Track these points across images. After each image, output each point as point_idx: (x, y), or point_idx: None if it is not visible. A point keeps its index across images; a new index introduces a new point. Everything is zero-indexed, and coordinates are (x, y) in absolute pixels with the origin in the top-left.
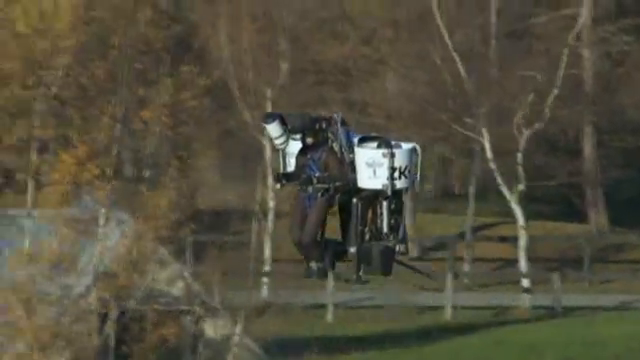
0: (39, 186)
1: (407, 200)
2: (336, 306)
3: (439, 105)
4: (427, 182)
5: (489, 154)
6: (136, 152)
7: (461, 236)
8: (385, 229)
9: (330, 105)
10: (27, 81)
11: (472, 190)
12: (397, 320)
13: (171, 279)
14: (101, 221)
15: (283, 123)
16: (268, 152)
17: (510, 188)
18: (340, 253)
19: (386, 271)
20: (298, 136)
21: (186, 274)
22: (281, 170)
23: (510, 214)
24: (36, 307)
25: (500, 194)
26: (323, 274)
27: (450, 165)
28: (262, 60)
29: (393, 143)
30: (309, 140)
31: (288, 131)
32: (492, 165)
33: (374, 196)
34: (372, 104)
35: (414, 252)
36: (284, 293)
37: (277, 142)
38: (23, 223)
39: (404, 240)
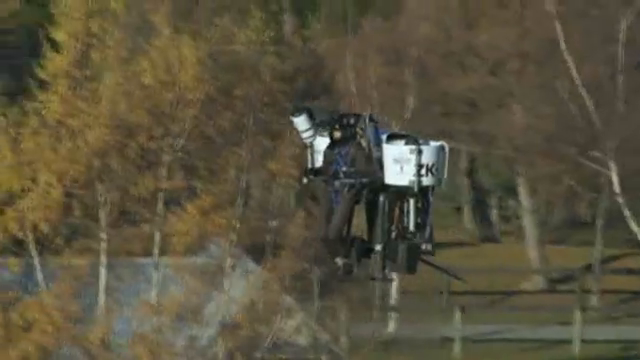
0: (165, 237)
1: (433, 199)
2: (464, 340)
3: (566, 138)
4: (554, 212)
5: (617, 188)
6: (262, 203)
7: (588, 268)
8: (412, 227)
9: (456, 136)
10: (154, 132)
11: (600, 223)
12: (526, 354)
13: (297, 328)
14: (227, 271)
15: (311, 117)
16: None
17: (639, 221)
18: (366, 250)
19: (411, 269)
20: (326, 130)
21: (312, 323)
22: (309, 165)
23: (638, 245)
24: (162, 358)
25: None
26: (349, 270)
27: (577, 197)
28: (388, 94)
29: (421, 140)
30: (337, 135)
31: (316, 125)
32: (619, 199)
33: (401, 194)
34: (498, 136)
35: (539, 284)
36: (410, 327)
37: (304, 135)
38: (150, 273)
39: (430, 239)
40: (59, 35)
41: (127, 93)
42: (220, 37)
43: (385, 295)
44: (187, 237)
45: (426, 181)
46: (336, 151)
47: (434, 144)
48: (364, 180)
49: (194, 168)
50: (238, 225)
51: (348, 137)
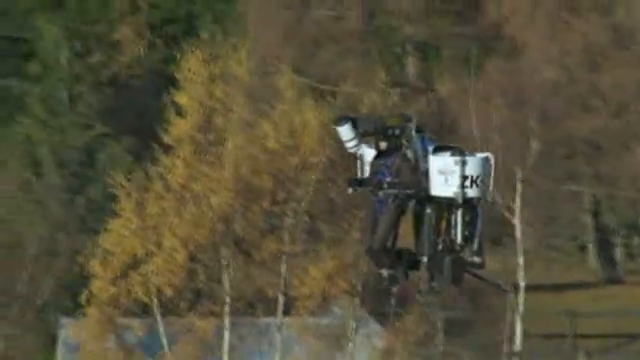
0: (289, 300)
1: (482, 211)
2: None
3: None
4: None
5: None
6: None
7: None
8: (459, 240)
9: (580, 179)
10: (277, 196)
11: None
12: None
13: None
14: (350, 333)
15: (355, 127)
16: (518, 229)
17: None
18: (413, 262)
19: (456, 282)
20: (371, 140)
21: None
22: (358, 175)
23: None
24: None
25: None
26: (394, 281)
27: None
28: (511, 137)
29: (467, 152)
30: (383, 145)
31: (359, 135)
32: None
33: (448, 206)
34: (623, 178)
35: None
36: None
37: (348, 145)
38: (273, 334)
39: (480, 252)
40: (183, 99)
41: (250, 157)
42: (344, 102)
43: (509, 339)
44: (310, 300)
45: (471, 193)
46: (382, 162)
47: (479, 155)
48: (408, 191)
49: (317, 231)
50: (361, 288)
51: (394, 148)
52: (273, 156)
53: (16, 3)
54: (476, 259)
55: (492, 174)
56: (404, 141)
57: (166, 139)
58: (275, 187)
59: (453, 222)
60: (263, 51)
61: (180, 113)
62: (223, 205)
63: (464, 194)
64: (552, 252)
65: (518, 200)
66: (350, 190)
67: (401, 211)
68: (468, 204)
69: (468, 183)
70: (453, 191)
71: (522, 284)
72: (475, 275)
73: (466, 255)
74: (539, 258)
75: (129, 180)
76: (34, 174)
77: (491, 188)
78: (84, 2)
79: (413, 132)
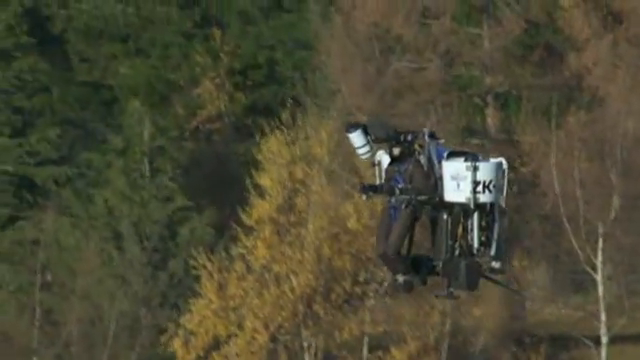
0: None
1: (499, 216)
2: None
3: None
4: None
5: None
6: (465, 344)
7: None
8: (476, 245)
9: None
10: (359, 277)
11: None
12: None
13: None
14: None
15: (366, 133)
16: (599, 284)
17: None
18: (431, 268)
19: (471, 286)
20: (382, 146)
21: None
22: (377, 181)
23: None
24: None
25: None
26: (409, 287)
27: None
28: (593, 192)
29: (480, 157)
30: (395, 152)
31: (372, 141)
32: None
33: (464, 211)
34: None
35: None
36: None
37: (360, 152)
38: None
39: (499, 257)
40: (264, 181)
41: (332, 238)
42: None
43: None
44: None
45: (483, 198)
46: (396, 168)
47: (492, 161)
48: (420, 197)
49: (399, 313)
50: None
51: (407, 154)
52: (354, 237)
53: (100, 49)
54: (496, 264)
55: (505, 180)
56: (417, 147)
57: (247, 221)
58: (356, 268)
59: (469, 227)
60: (344, 101)
61: (261, 194)
62: (304, 286)
63: (476, 199)
64: (635, 300)
65: (600, 255)
66: (364, 197)
67: (415, 217)
68: (484, 209)
69: (480, 188)
70: (465, 196)
71: (604, 338)
72: (492, 280)
73: (485, 260)
74: (621, 310)
75: (210, 260)
76: (116, 248)
77: (504, 194)
78: (167, 49)
79: (426, 138)
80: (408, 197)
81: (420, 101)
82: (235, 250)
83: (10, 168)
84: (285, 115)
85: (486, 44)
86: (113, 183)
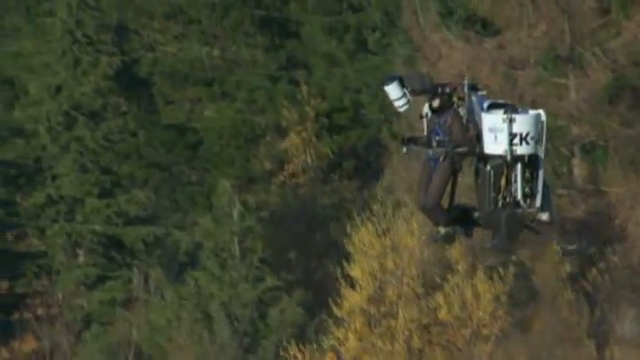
0: None
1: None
2: None
3: None
4: None
5: None
6: None
7: None
8: (519, 196)
9: None
10: None
11: None
12: None
13: None
14: None
15: (402, 85)
16: None
17: None
18: (475, 219)
19: (511, 237)
20: (419, 98)
21: None
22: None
23: None
24: None
25: None
26: (450, 239)
27: None
28: None
29: (519, 109)
30: (435, 104)
31: (409, 93)
32: None
33: (507, 163)
34: None
35: None
36: None
37: (397, 104)
38: None
39: (545, 208)
40: (355, 272)
41: (422, 329)
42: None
43: None
44: None
45: (520, 150)
46: (436, 120)
47: (531, 112)
48: (458, 149)
49: None
50: None
51: (447, 106)
52: (445, 328)
53: (184, 92)
54: (543, 216)
55: (544, 132)
56: (457, 99)
57: (338, 312)
58: (447, 359)
59: (513, 179)
60: None
61: (352, 285)
62: None
63: (513, 151)
64: None
65: None
66: (404, 149)
67: (454, 169)
68: (527, 160)
69: (517, 141)
70: (503, 148)
71: None
72: (534, 230)
73: (532, 212)
74: None
75: (301, 351)
76: (206, 329)
77: (543, 146)
78: (252, 92)
79: (466, 89)
80: (444, 149)
81: None
82: (326, 342)
83: (99, 228)
84: (376, 206)
85: (572, 94)
86: (203, 264)
